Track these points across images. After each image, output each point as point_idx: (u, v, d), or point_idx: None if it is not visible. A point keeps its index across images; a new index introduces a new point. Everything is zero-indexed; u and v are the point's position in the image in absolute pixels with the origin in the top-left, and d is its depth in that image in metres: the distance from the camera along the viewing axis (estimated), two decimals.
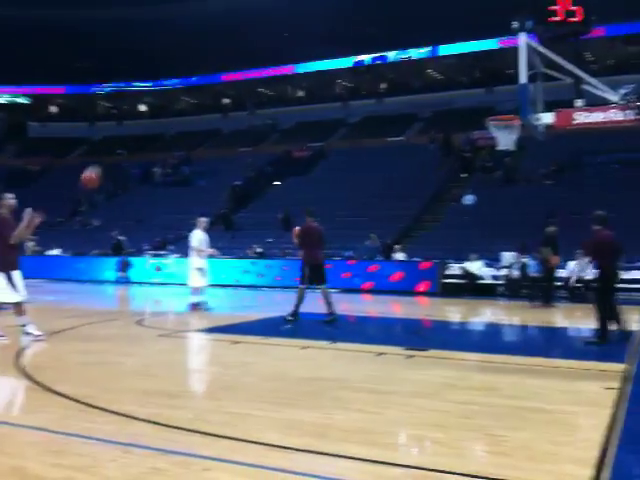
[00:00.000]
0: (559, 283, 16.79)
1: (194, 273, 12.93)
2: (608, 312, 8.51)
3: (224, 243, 24.79)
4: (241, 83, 41.97)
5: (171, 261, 22.53)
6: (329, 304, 10.86)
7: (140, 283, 21.94)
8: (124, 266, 22.22)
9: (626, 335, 8.66)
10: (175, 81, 43.33)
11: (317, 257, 11.08)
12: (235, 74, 41.29)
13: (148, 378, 6.19)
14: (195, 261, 12.94)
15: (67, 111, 47.25)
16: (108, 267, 22.91)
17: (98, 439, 4.17)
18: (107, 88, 44.67)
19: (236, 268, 21.39)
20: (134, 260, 22.73)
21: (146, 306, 16.31)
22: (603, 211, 8.96)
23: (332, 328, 10.38)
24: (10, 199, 8.37)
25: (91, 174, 9.38)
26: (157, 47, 39.68)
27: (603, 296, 8.61)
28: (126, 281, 22.03)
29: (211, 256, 13.36)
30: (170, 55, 40.49)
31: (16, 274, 8.32)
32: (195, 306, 12.67)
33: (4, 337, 8.21)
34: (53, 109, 48.01)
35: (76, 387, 5.59)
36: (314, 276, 10.96)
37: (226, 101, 45.62)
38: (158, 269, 22.38)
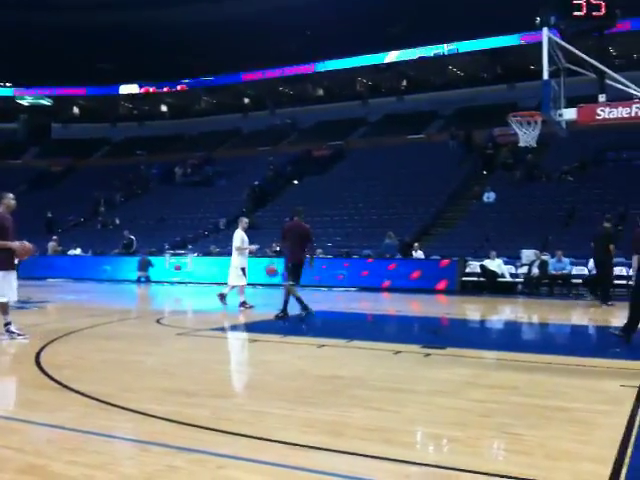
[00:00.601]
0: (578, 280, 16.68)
1: (235, 272, 12.98)
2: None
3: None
4: (261, 82, 42.06)
5: (190, 260, 22.65)
6: (286, 302, 11.17)
7: (160, 282, 22.09)
8: (144, 265, 22.39)
9: None
10: (195, 81, 43.54)
11: (296, 255, 11.26)
12: (255, 73, 41.40)
13: (167, 376, 6.22)
14: (237, 260, 12.97)
15: (89, 112, 47.81)
16: (129, 266, 23.10)
17: (116, 437, 4.20)
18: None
19: (255, 267, 21.45)
20: (154, 259, 22.90)
21: (166, 305, 16.42)
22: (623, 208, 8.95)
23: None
24: (11, 199, 8.39)
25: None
26: (178, 48, 39.98)
27: None
28: (146, 280, 22.20)
29: (251, 253, 13.47)
30: (191, 55, 40.77)
31: (8, 274, 8.25)
32: (243, 304, 12.70)
33: (24, 336, 8.30)
34: (75, 110, 48.56)
35: (95, 385, 5.63)
36: (296, 274, 11.28)
37: (246, 101, 45.79)
38: (178, 268, 22.53)
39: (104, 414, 4.74)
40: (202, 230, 28.00)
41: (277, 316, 11.08)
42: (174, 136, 42.83)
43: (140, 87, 44.79)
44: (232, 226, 27.80)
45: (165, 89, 44.79)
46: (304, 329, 10.53)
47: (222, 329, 9.69)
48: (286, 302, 11.20)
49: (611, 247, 13.95)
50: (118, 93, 45.49)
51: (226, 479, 3.44)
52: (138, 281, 22.20)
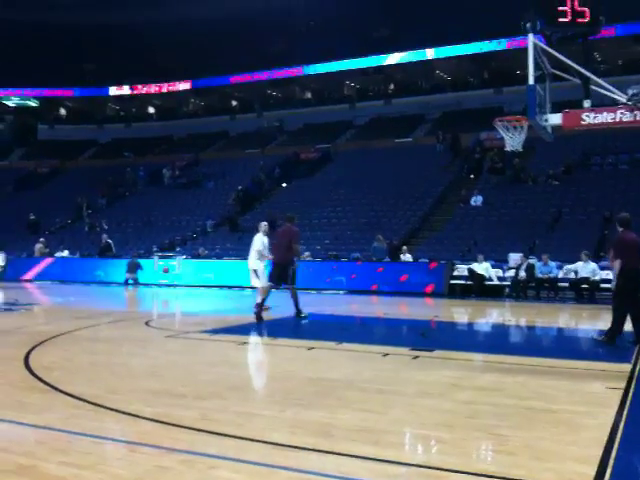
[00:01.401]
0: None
1: (255, 275, 12.97)
2: (626, 314, 8.46)
3: (232, 244, 24.91)
4: (249, 85, 42.04)
5: (179, 263, 22.60)
6: (296, 303, 11.42)
7: (148, 285, 22.03)
8: (133, 268, 22.31)
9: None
10: (186, 86, 43.48)
11: (282, 258, 11.45)
12: (243, 76, 41.38)
13: (155, 378, 6.23)
14: (255, 264, 12.94)
15: (76, 114, 47.58)
16: (117, 269, 23.01)
17: (105, 438, 4.22)
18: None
19: (244, 269, 21.41)
20: (142, 262, 22.82)
21: (154, 307, 16.39)
22: (626, 213, 9.12)
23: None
24: None
25: None
26: (166, 49, 39.93)
27: (623, 297, 8.56)
28: (134, 283, 22.14)
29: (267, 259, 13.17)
30: (179, 57, 40.73)
31: None
32: (259, 306, 12.43)
33: None
34: (62, 111, 48.32)
35: (84, 387, 5.64)
36: (276, 275, 11.44)
37: (234, 103, 45.78)
38: (166, 270, 22.47)
39: (93, 415, 4.76)
40: (190, 232, 27.94)
41: (298, 316, 11.38)
42: (161, 138, 42.72)
43: (129, 88, 44.58)
44: (220, 229, 27.85)
45: (153, 90, 44.63)
46: (293, 332, 10.56)
47: (211, 331, 9.69)
48: (296, 303, 11.46)
49: None
50: (106, 95, 45.28)
51: (216, 479, 3.47)
52: (126, 283, 22.12)
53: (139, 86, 44.28)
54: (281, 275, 11.38)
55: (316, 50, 37.61)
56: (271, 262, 11.84)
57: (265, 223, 13.37)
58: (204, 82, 42.78)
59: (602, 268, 16.34)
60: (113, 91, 44.92)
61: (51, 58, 40.39)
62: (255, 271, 12.93)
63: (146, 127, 44.68)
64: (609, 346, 8.28)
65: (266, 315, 11.39)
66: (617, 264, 8.49)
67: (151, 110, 48.05)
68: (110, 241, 25.18)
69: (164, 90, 44.03)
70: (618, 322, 8.42)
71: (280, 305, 12.37)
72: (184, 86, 43.42)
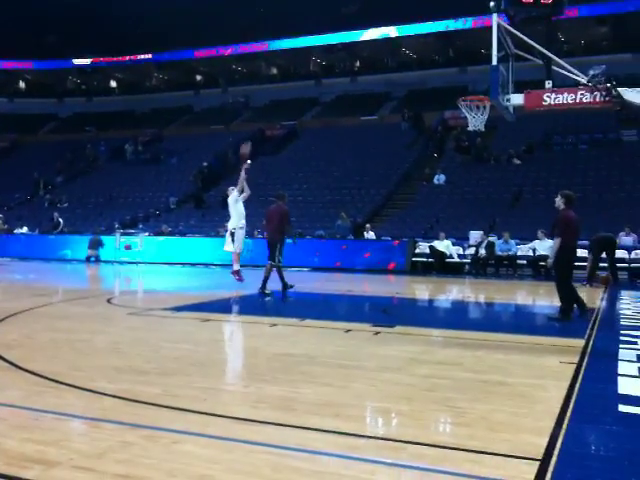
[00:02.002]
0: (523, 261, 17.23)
1: (231, 238, 12.52)
2: (570, 290, 8.74)
3: (196, 222, 24.75)
4: (214, 59, 41.48)
5: (141, 240, 22.39)
6: (265, 279, 11.59)
7: (110, 262, 21.80)
8: (95, 244, 22.03)
9: (584, 312, 8.89)
10: (147, 57, 42.57)
11: (272, 236, 11.84)
12: (208, 50, 40.76)
13: (118, 355, 6.23)
14: (234, 224, 12.52)
15: (35, 87, 46.33)
16: (78, 245, 22.69)
17: (68, 415, 4.22)
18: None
19: (207, 247, 21.34)
20: (104, 238, 22.54)
21: (116, 284, 16.26)
22: (570, 191, 9.23)
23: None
24: None
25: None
26: (129, 22, 39.04)
27: (565, 274, 8.83)
28: (96, 260, 21.87)
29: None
30: (142, 30, 39.87)
31: None
32: (235, 273, 12.38)
33: None
34: (21, 84, 47.01)
35: (46, 365, 5.61)
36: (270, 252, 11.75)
37: (198, 78, 45.12)
38: (128, 247, 22.25)
39: (55, 392, 4.75)
40: (153, 209, 27.65)
41: (285, 287, 11.73)
42: (124, 112, 41.95)
43: (90, 61, 43.50)
44: (183, 206, 27.61)
45: (115, 63, 43.64)
46: (257, 309, 10.61)
47: (174, 309, 9.67)
48: (282, 278, 11.79)
49: None
50: (66, 67, 44.12)
51: (179, 454, 3.51)
52: (88, 260, 21.85)
53: (101, 59, 43.26)
54: (272, 252, 11.64)
55: (283, 25, 37.21)
56: (268, 242, 12.01)
57: (233, 187, 13.18)
58: (168, 56, 42.00)
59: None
60: (75, 64, 43.72)
61: (10, 30, 39.17)
62: (232, 234, 12.64)
63: (108, 101, 43.82)
64: (564, 322, 8.53)
65: (230, 293, 11.40)
66: (557, 241, 8.67)
67: (113, 84, 47.08)
68: (60, 220, 24.84)
69: (126, 60, 42.90)
70: (567, 298, 8.68)
71: (244, 282, 12.40)
72: (145, 56, 42.47)
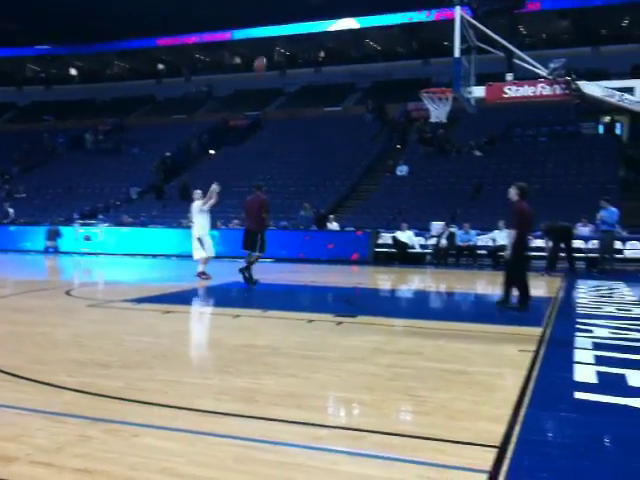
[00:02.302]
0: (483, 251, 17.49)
1: (194, 244, 12.80)
2: (523, 279, 8.86)
3: (157, 212, 24.47)
4: (177, 48, 40.91)
5: (101, 230, 22.07)
6: (247, 269, 11.75)
7: (69, 253, 21.44)
8: (53, 235, 21.63)
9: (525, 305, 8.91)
10: (108, 44, 41.72)
11: (252, 226, 11.82)
12: (171, 39, 40.14)
13: (78, 348, 6.14)
14: (199, 231, 12.79)
15: None
16: (36, 236, 22.25)
17: (26, 409, 4.15)
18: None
19: (169, 238, 21.13)
20: (63, 229, 22.14)
21: (76, 276, 16.01)
22: (529, 182, 9.37)
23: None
24: None
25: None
26: (90, 9, 38.17)
27: (522, 265, 8.98)
28: (55, 251, 21.49)
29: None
30: (104, 17, 39.03)
31: None
32: (200, 275, 12.57)
33: None
34: None
35: (5, 359, 5.51)
36: (247, 242, 11.77)
37: (161, 67, 44.47)
38: (87, 238, 21.90)
39: (13, 386, 4.67)
40: (113, 200, 27.25)
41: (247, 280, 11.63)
42: (84, 101, 41.14)
43: (50, 48, 42.45)
44: (145, 196, 27.27)
45: (76, 51, 42.65)
46: (220, 300, 10.57)
47: (135, 300, 9.57)
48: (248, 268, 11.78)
49: None
50: (25, 55, 43.02)
51: (140, 447, 3.49)
52: (46, 251, 21.44)
53: (60, 46, 42.23)
54: (252, 242, 11.66)
55: (247, 14, 36.85)
56: (245, 232, 12.00)
57: (199, 191, 13.23)
58: (129, 44, 41.22)
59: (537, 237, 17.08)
60: (35, 51, 42.59)
61: None
62: (200, 239, 12.75)
63: (68, 90, 42.88)
64: (522, 311, 8.68)
65: (193, 284, 11.33)
66: (513, 233, 8.77)
67: (73, 72, 46.10)
68: (10, 210, 24.43)
69: (87, 47, 41.90)
70: (523, 288, 8.81)
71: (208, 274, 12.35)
72: (107, 44, 41.54)
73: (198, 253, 12.70)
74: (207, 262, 12.75)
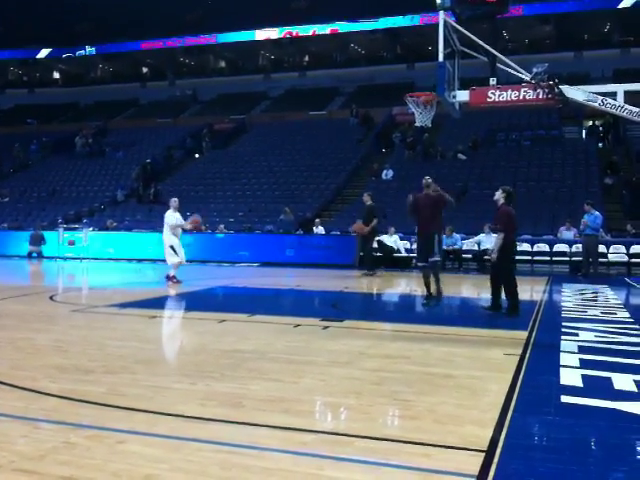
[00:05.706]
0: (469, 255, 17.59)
1: (167, 250, 12.88)
2: (511, 284, 8.85)
3: (142, 216, 24.32)
4: (161, 52, 40.77)
5: (86, 235, 21.87)
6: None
7: (52, 258, 21.24)
8: (37, 240, 21.41)
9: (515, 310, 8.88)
10: (92, 48, 41.45)
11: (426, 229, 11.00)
12: (155, 42, 39.99)
13: (61, 354, 6.07)
14: (170, 239, 12.83)
15: None
16: (19, 241, 22.01)
17: (8, 415, 4.09)
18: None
19: (154, 242, 20.96)
20: (46, 234, 21.92)
21: (59, 281, 15.86)
22: (513, 186, 9.40)
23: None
24: None
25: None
26: (74, 12, 38.02)
27: (509, 268, 9.01)
28: (38, 256, 21.27)
29: (185, 230, 13.53)
30: (87, 21, 38.87)
31: None
32: (171, 279, 12.67)
33: None
34: None
35: None
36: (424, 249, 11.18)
37: (145, 70, 44.30)
38: (72, 243, 21.70)
39: None
40: (98, 204, 27.04)
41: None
42: (67, 105, 40.86)
43: (33, 52, 42.06)
44: (129, 200, 27.09)
45: (59, 54, 42.30)
46: (205, 305, 10.50)
47: (119, 305, 9.49)
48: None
49: None
50: (8, 58, 42.61)
51: (124, 454, 3.45)
52: (29, 256, 21.22)
53: (43, 49, 41.92)
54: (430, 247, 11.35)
55: (232, 18, 36.86)
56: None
57: (175, 199, 13.25)
58: (113, 47, 40.98)
59: (523, 241, 17.27)
60: (17, 53, 42.16)
61: None
62: (172, 247, 12.78)
63: (51, 93, 42.60)
64: (511, 315, 8.67)
65: (177, 289, 11.25)
66: (501, 236, 8.78)
67: (56, 75, 45.79)
68: None
69: (70, 50, 41.58)
70: (512, 293, 8.81)
71: (190, 279, 12.28)
72: (90, 48, 41.28)
73: (171, 259, 12.77)
74: (177, 267, 12.79)
